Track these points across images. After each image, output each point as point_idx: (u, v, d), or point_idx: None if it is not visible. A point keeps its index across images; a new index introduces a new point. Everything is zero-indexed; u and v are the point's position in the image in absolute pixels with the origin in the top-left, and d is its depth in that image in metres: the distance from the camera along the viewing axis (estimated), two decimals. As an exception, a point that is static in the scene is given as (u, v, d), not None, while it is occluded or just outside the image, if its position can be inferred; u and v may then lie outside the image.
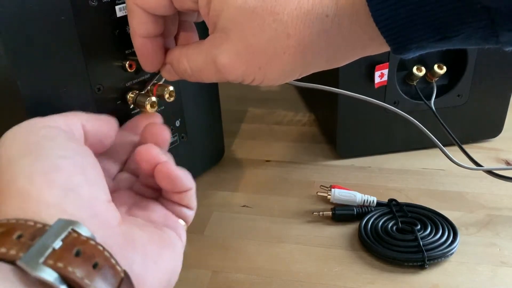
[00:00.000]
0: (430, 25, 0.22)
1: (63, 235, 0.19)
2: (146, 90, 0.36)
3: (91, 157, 0.24)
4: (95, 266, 0.19)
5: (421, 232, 0.42)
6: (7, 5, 0.27)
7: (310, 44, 0.25)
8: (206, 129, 0.51)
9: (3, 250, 0.18)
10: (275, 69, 0.26)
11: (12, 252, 0.18)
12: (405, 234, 0.43)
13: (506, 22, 0.21)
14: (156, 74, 0.36)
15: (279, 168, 0.57)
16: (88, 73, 0.32)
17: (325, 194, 0.49)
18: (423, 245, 0.40)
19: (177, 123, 0.46)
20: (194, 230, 0.46)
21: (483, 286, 0.39)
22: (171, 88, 0.36)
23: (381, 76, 0.52)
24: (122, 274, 0.20)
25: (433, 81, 0.55)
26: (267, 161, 0.59)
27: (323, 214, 0.47)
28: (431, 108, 0.54)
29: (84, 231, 0.19)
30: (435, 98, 0.54)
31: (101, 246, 0.20)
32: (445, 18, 0.22)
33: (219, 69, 0.27)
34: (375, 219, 0.45)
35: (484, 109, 0.57)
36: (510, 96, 0.57)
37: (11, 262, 0.18)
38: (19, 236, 0.18)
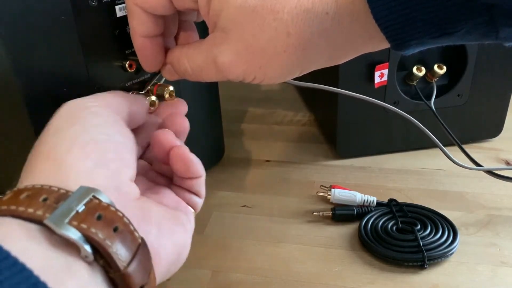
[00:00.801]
0: (430, 21, 0.22)
1: (85, 200, 0.20)
2: (146, 90, 0.36)
3: (130, 140, 0.25)
4: (115, 230, 0.20)
5: (421, 232, 0.42)
6: (7, 5, 0.27)
7: (310, 42, 0.25)
8: (206, 129, 0.51)
9: (31, 210, 0.19)
10: (276, 68, 0.26)
11: (39, 212, 0.19)
12: (405, 234, 0.43)
13: (505, 18, 0.21)
14: (156, 74, 0.36)
15: (279, 168, 0.57)
16: (88, 73, 0.32)
17: (325, 194, 0.49)
18: (423, 245, 0.40)
19: (177, 123, 0.46)
20: (194, 230, 0.46)
21: (483, 286, 0.39)
22: (171, 88, 0.36)
23: (381, 76, 0.52)
24: (140, 241, 0.21)
25: (433, 81, 0.55)
26: (267, 161, 0.59)
27: (323, 214, 0.47)
28: (431, 108, 0.54)
29: (104, 198, 0.21)
30: (435, 98, 0.54)
31: (121, 212, 0.21)
32: (445, 14, 0.22)
33: (220, 68, 0.27)
34: (375, 219, 0.45)
35: (484, 109, 0.57)
36: (510, 96, 0.57)
37: (37, 222, 0.19)
38: (45, 199, 0.19)
